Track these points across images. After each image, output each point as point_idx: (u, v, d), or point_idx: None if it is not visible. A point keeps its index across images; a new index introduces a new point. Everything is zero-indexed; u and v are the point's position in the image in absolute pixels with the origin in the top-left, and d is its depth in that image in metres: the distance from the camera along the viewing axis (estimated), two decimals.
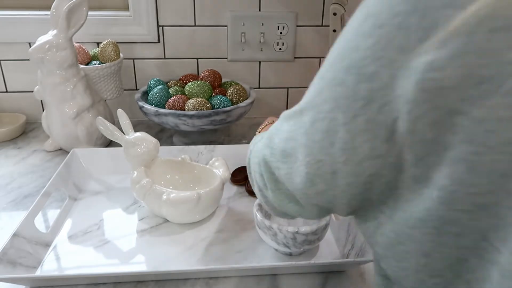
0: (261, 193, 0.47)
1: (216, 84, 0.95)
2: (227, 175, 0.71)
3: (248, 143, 0.96)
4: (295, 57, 1.07)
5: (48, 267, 0.59)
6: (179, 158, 0.76)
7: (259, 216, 0.60)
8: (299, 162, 0.38)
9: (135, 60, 1.03)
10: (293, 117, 0.39)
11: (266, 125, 0.75)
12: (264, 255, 0.62)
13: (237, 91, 0.89)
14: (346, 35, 0.34)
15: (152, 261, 0.61)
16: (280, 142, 0.41)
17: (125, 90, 1.02)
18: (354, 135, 0.33)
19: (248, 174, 0.50)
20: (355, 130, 0.32)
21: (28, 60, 0.91)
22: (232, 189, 0.78)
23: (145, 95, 0.93)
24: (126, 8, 1.00)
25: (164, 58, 1.04)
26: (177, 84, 0.95)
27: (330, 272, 0.59)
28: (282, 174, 0.41)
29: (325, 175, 0.36)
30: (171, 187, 0.72)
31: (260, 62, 1.07)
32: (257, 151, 0.46)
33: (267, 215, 0.65)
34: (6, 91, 1.03)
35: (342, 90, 0.33)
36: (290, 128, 0.39)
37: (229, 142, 0.97)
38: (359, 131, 0.32)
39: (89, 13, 0.82)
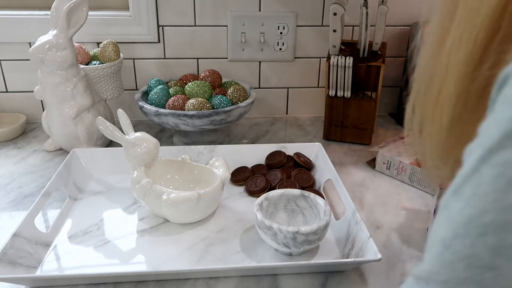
0: None
1: (216, 84, 0.95)
2: (227, 175, 0.71)
3: (248, 143, 0.97)
4: (295, 57, 1.07)
5: (48, 267, 0.59)
6: (179, 158, 0.76)
7: (259, 216, 0.60)
8: None
9: (135, 60, 1.03)
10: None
11: None
12: (264, 255, 0.62)
13: (237, 91, 0.89)
14: (477, 190, 0.27)
15: (152, 261, 0.61)
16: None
17: (125, 90, 1.02)
18: None
19: None
20: None
21: (28, 60, 0.91)
22: (232, 189, 0.78)
23: (145, 95, 0.93)
24: (126, 8, 1.00)
25: (164, 58, 1.04)
26: (177, 84, 0.95)
27: (330, 272, 0.59)
28: None
29: None
30: (171, 187, 0.71)
31: (260, 62, 1.07)
32: None
33: (267, 215, 0.65)
34: (6, 91, 1.03)
35: (489, 277, 0.26)
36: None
37: (229, 142, 0.97)
38: None
39: (89, 13, 0.82)
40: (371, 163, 0.87)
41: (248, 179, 0.79)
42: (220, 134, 0.96)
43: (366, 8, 0.86)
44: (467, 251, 0.26)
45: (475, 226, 0.26)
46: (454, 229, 0.28)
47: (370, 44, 0.93)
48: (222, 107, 0.85)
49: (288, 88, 1.10)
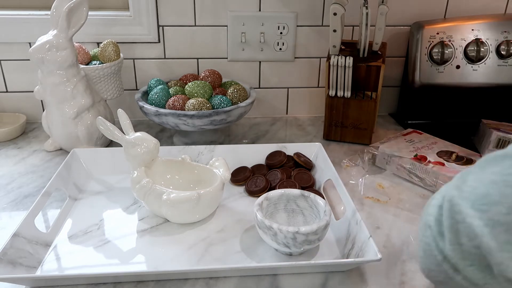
0: (432, 244, 0.37)
1: (216, 84, 0.95)
2: (227, 175, 0.71)
3: (248, 143, 0.97)
4: (295, 57, 1.07)
5: (48, 267, 0.59)
6: (179, 158, 0.76)
7: (259, 216, 0.60)
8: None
9: (135, 60, 1.03)
10: (507, 157, 0.32)
11: None
12: (264, 255, 0.62)
13: (237, 91, 0.89)
14: None
15: (152, 261, 0.61)
16: (479, 183, 0.32)
17: (125, 90, 1.02)
18: None
19: (420, 221, 0.40)
20: None
21: (28, 60, 0.91)
22: (232, 189, 0.78)
23: (145, 95, 0.93)
24: (126, 8, 1.00)
25: (164, 58, 1.04)
26: (177, 84, 0.95)
27: (330, 272, 0.59)
28: (475, 225, 0.32)
29: None
30: (171, 187, 0.71)
31: (260, 62, 1.07)
32: (439, 192, 0.37)
33: (267, 215, 0.65)
34: (6, 91, 1.03)
35: None
36: (503, 170, 0.31)
37: (229, 142, 0.97)
38: None
39: (89, 13, 0.82)
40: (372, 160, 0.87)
41: (248, 179, 0.79)
42: (220, 134, 0.96)
43: (366, 8, 0.86)
44: None
45: None
46: None
47: (370, 44, 0.93)
48: (222, 107, 0.85)
49: (288, 88, 1.10)
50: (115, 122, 0.87)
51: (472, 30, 0.95)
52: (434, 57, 0.96)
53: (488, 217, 0.31)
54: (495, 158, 0.33)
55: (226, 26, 1.02)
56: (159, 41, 1.02)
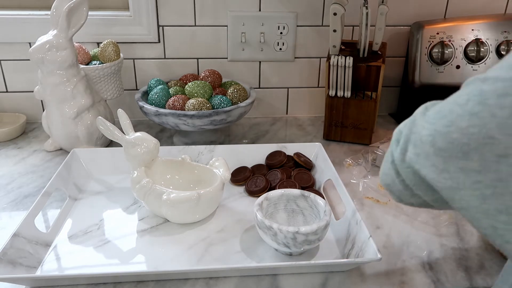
0: (390, 149, 0.44)
1: (216, 84, 0.95)
2: (227, 175, 0.71)
3: (248, 143, 0.97)
4: (295, 57, 1.07)
5: (48, 267, 0.59)
6: (179, 158, 0.76)
7: (259, 216, 0.60)
8: (453, 128, 0.34)
9: (135, 60, 1.03)
10: (469, 84, 0.35)
11: None
12: (264, 255, 0.62)
13: (237, 91, 0.89)
14: None
15: (152, 261, 0.61)
16: (440, 104, 0.37)
17: (125, 90, 1.02)
18: None
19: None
20: None
21: (28, 60, 0.91)
22: (232, 189, 0.78)
23: (145, 95, 0.93)
24: (126, 8, 1.00)
25: (164, 58, 1.04)
26: (177, 84, 0.95)
27: (330, 272, 0.59)
28: (422, 134, 0.37)
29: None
30: (171, 187, 0.72)
31: (260, 62, 1.07)
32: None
33: (267, 215, 0.65)
34: (6, 91, 1.03)
35: None
36: (460, 91, 0.35)
37: (229, 142, 0.97)
38: None
39: (89, 13, 0.82)
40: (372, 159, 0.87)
41: (248, 179, 0.79)
42: (220, 134, 0.96)
43: (366, 8, 0.86)
44: None
45: None
46: None
47: (370, 44, 0.93)
48: (222, 107, 0.85)
49: (288, 88, 1.10)
50: (115, 122, 0.87)
51: (472, 30, 0.95)
52: (434, 57, 0.96)
53: (434, 128, 0.36)
54: (467, 82, 0.37)
55: (226, 26, 1.02)
56: (159, 41, 1.02)
